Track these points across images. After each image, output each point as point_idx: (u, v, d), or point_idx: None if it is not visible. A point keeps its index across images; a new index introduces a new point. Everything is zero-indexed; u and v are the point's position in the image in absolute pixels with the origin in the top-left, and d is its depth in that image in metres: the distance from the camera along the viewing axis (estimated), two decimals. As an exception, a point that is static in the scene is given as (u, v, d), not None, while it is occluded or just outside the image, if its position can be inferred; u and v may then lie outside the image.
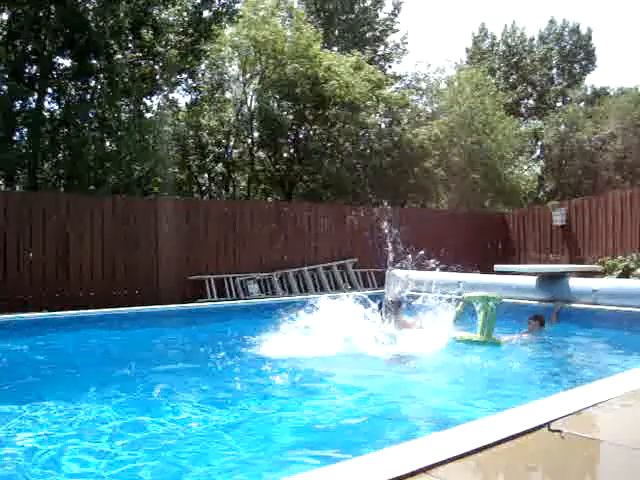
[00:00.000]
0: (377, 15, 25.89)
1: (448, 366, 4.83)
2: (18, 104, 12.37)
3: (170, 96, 16.58)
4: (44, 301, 8.17)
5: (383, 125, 17.60)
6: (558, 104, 28.30)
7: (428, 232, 13.26)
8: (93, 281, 9.17)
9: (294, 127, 16.72)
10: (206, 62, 16.89)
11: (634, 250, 10.92)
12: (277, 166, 17.42)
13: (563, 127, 22.81)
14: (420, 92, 22.40)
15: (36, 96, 12.54)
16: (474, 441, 1.89)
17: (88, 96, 13.17)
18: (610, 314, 5.84)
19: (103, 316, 6.53)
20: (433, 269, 6.48)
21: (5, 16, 12.43)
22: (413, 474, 1.65)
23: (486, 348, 5.24)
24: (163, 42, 14.37)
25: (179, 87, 16.87)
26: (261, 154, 18.08)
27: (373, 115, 16.51)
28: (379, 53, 25.57)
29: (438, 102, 20.83)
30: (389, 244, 6.31)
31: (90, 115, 12.98)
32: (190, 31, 15.72)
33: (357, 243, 12.22)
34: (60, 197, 10.61)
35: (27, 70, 12.74)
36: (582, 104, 25.62)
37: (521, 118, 27.38)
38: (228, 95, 17.91)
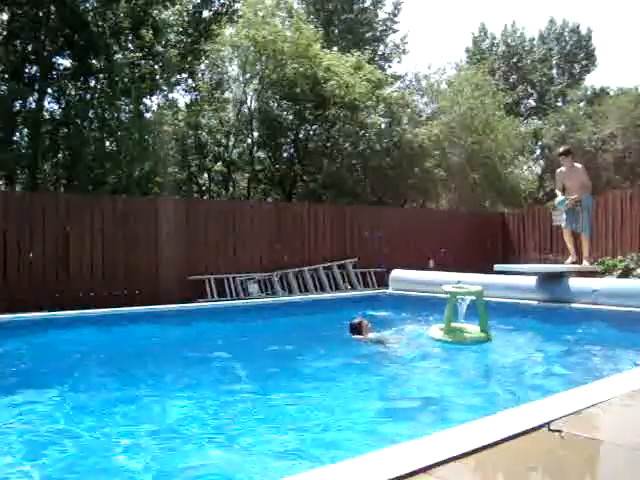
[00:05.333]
0: (377, 15, 25.91)
1: (440, 365, 4.85)
2: (18, 104, 12.37)
3: (170, 96, 16.58)
4: (44, 301, 8.17)
5: (383, 125, 17.60)
6: (558, 104, 28.31)
7: (428, 232, 13.28)
8: (93, 281, 9.17)
9: (294, 127, 16.73)
10: (206, 62, 16.89)
11: (634, 250, 10.92)
12: (277, 166, 17.42)
13: (563, 127, 22.82)
14: (420, 92, 22.41)
15: (36, 96, 12.54)
16: (474, 441, 1.89)
17: (88, 96, 13.16)
18: (610, 314, 5.84)
19: (103, 316, 6.53)
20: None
21: (5, 16, 12.44)
22: (413, 474, 1.65)
23: (484, 345, 5.28)
24: (163, 42, 14.37)
25: (179, 87, 16.87)
26: (261, 154, 18.09)
27: (373, 115, 16.50)
28: (379, 53, 25.58)
29: (438, 102, 20.83)
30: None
31: (90, 115, 12.97)
32: (190, 31, 15.72)
33: (357, 243, 12.23)
34: (60, 197, 10.60)
35: (27, 70, 12.74)
36: (582, 104, 25.62)
37: (521, 118, 27.38)
38: (228, 95, 17.92)
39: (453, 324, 5.41)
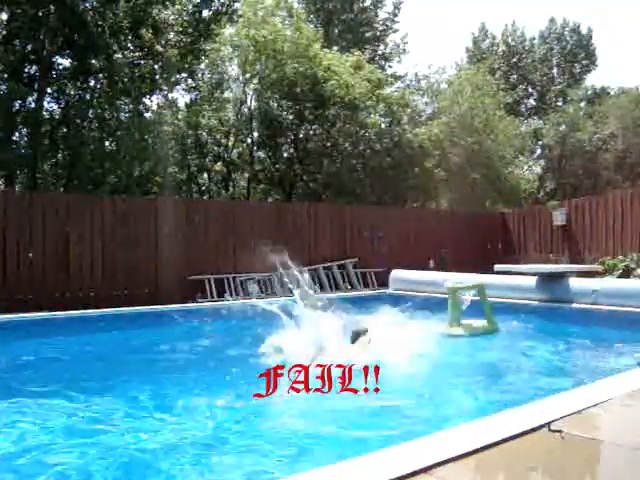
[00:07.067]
0: (377, 15, 25.93)
1: (444, 361, 4.85)
2: (18, 104, 12.37)
3: (170, 96, 16.58)
4: (44, 301, 8.17)
5: (383, 125, 17.60)
6: (558, 104, 28.30)
7: (428, 232, 13.28)
8: (93, 281, 9.17)
9: (294, 127, 16.73)
10: (206, 62, 16.89)
11: (634, 250, 10.92)
12: (277, 166, 17.42)
13: (563, 127, 22.81)
14: (420, 92, 22.41)
15: (36, 96, 12.53)
16: (474, 441, 1.89)
17: (88, 96, 13.16)
18: (610, 314, 5.84)
19: (103, 316, 6.53)
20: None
21: (4, 16, 12.43)
22: (413, 474, 1.64)
23: (491, 337, 5.35)
24: (163, 42, 14.36)
25: (179, 87, 16.87)
26: (261, 154, 18.09)
27: (373, 115, 16.51)
28: (379, 53, 25.60)
29: (438, 102, 20.84)
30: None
31: (90, 115, 12.97)
32: (190, 31, 15.71)
33: (357, 243, 12.23)
34: (60, 197, 10.61)
35: (27, 70, 12.73)
36: (582, 104, 25.61)
37: (521, 118, 27.38)
38: (228, 95, 17.92)
39: (458, 318, 5.49)
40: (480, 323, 5.54)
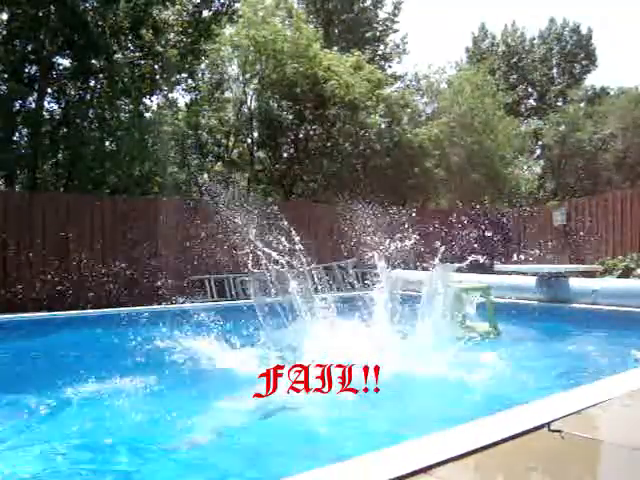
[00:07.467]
0: (377, 15, 25.92)
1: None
2: (18, 104, 12.36)
3: (170, 96, 16.56)
4: (44, 301, 8.17)
5: (383, 125, 17.60)
6: (558, 104, 28.31)
7: (428, 232, 13.27)
8: (93, 281, 9.17)
9: (294, 127, 16.73)
10: (206, 62, 16.89)
11: (634, 250, 10.92)
12: (277, 166, 17.42)
13: (563, 127, 22.81)
14: (420, 92, 22.42)
15: (36, 96, 12.52)
16: (474, 441, 1.89)
17: (88, 96, 13.15)
18: (610, 314, 5.84)
19: (103, 316, 6.54)
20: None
21: (4, 16, 12.42)
22: (413, 474, 1.65)
23: (492, 342, 5.31)
24: (163, 42, 14.35)
25: (179, 87, 16.85)
26: (261, 154, 18.10)
27: (373, 115, 16.50)
28: (379, 53, 25.60)
29: (438, 102, 20.84)
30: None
31: (90, 115, 12.96)
32: (190, 31, 15.70)
33: (357, 243, 12.23)
34: (60, 197, 10.61)
35: (27, 70, 12.71)
36: (582, 104, 25.61)
37: (521, 118, 27.38)
38: (228, 95, 17.92)
39: (461, 320, 5.45)
40: (482, 327, 5.50)
